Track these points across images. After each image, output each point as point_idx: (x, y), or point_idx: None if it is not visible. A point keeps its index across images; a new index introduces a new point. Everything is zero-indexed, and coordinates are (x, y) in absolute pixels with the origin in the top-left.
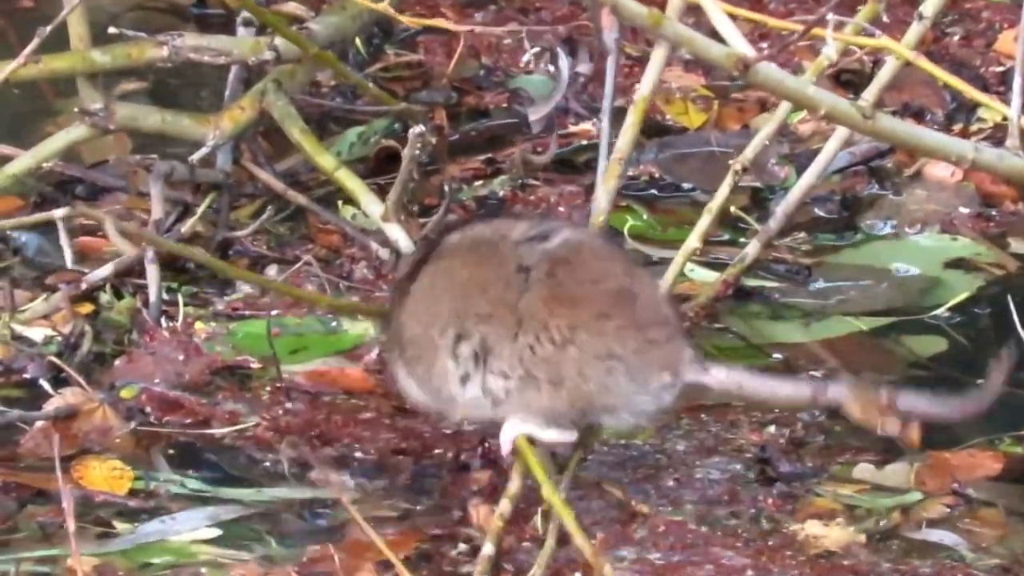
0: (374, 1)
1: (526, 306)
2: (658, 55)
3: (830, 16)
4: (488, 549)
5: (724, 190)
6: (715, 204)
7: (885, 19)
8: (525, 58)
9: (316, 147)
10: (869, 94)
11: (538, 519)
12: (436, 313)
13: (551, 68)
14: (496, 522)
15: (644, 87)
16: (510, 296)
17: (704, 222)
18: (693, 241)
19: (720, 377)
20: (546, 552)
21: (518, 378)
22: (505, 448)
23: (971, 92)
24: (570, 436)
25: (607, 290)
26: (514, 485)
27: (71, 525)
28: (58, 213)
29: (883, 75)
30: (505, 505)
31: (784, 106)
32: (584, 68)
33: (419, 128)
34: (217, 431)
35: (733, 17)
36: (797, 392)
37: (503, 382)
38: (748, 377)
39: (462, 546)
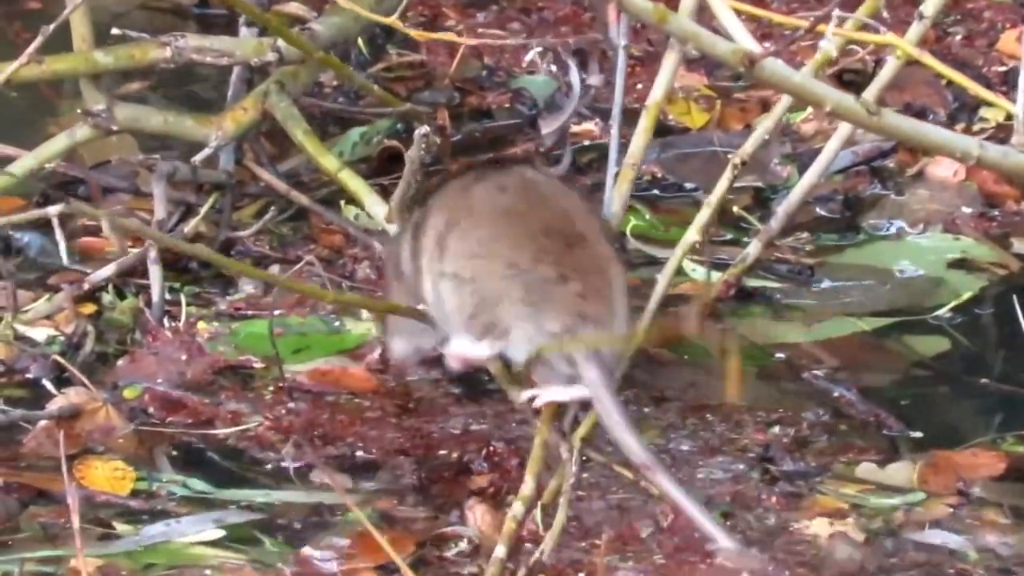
0: (383, 15)
1: (460, 208)
2: (670, 59)
3: (836, 12)
4: (500, 551)
5: (723, 183)
6: (715, 197)
7: (886, 17)
8: (528, 58)
9: (319, 149)
10: (870, 93)
11: (538, 515)
12: (423, 201)
13: (553, 68)
14: (509, 524)
15: (656, 92)
16: (457, 199)
17: (703, 215)
18: (692, 235)
19: (591, 376)
20: (556, 528)
21: (437, 274)
22: (451, 362)
23: (976, 88)
24: (484, 350)
25: (549, 224)
26: (527, 487)
27: (76, 523)
28: (52, 210)
29: (884, 73)
30: (518, 507)
31: (784, 101)
32: (595, 80)
33: (424, 129)
34: (220, 431)
35: (737, 14)
36: (636, 452)
37: (429, 279)
38: (607, 402)
39: (463, 545)
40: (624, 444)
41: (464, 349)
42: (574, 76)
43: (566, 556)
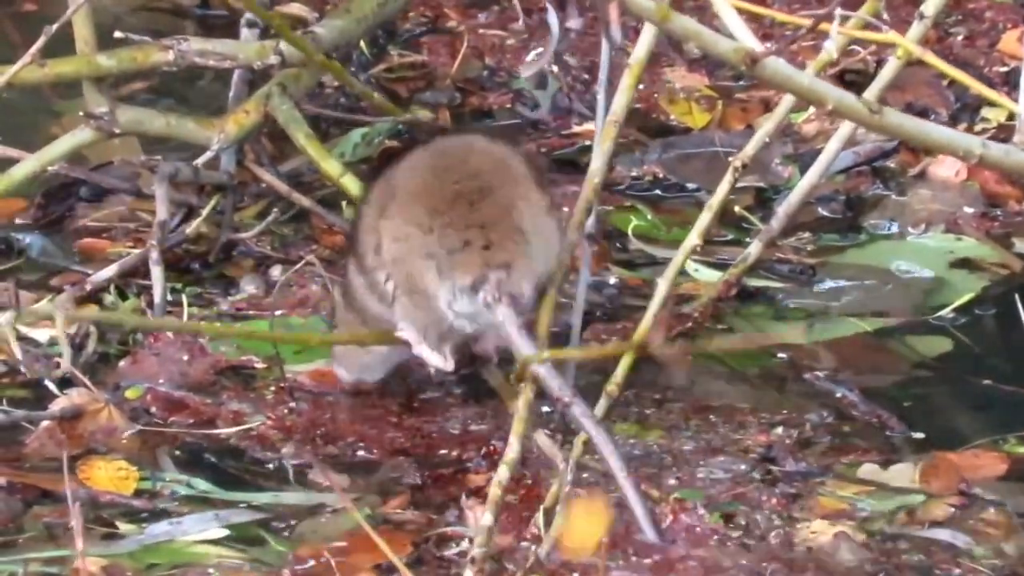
0: (387, 16)
1: (382, 200)
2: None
3: (838, 12)
4: (487, 519)
5: (724, 187)
6: (715, 201)
7: (886, 18)
8: (529, 58)
9: (321, 153)
10: (871, 92)
11: (539, 517)
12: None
13: (554, 69)
14: (494, 490)
15: (639, 51)
16: (381, 191)
17: (704, 219)
18: (693, 238)
19: (503, 313)
20: (553, 531)
21: (376, 268)
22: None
23: (978, 87)
24: (442, 361)
25: (456, 190)
26: (512, 451)
27: (79, 541)
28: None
29: (885, 73)
30: (503, 471)
31: (785, 103)
32: (575, 24)
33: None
34: (222, 431)
35: (738, 13)
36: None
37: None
38: (512, 326)
39: (464, 545)
40: (544, 380)
41: (425, 355)
42: (553, 19)
43: (559, 555)
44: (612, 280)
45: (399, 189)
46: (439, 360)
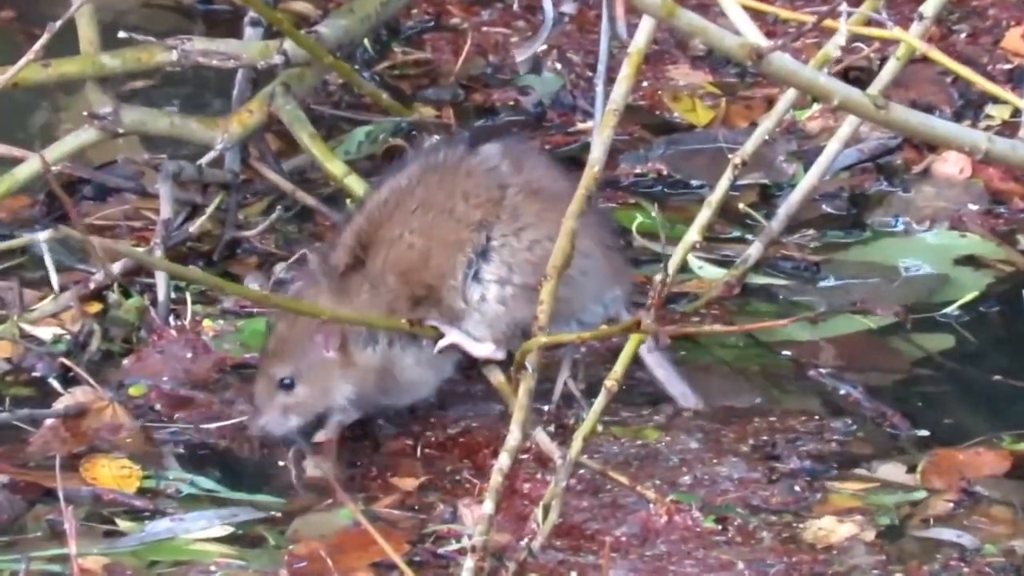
0: (388, 15)
1: (511, 202)
2: None
3: (844, 7)
4: (488, 507)
5: (723, 184)
6: (715, 197)
7: (886, 16)
8: (523, 56)
9: (326, 153)
10: (875, 89)
11: (538, 513)
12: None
13: (558, 66)
14: (495, 477)
15: (638, 40)
16: (494, 195)
17: (704, 215)
18: (693, 235)
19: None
20: (547, 526)
21: (511, 284)
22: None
23: (983, 83)
24: (500, 354)
25: (568, 188)
26: (513, 438)
27: (72, 544)
28: (41, 236)
29: (888, 70)
30: (504, 459)
31: (784, 100)
32: (568, 8)
33: (432, 140)
34: (224, 428)
35: (743, 9)
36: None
37: (496, 289)
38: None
39: (464, 542)
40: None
41: (480, 351)
42: (547, 4)
43: (556, 555)
44: None
45: (504, 187)
46: (495, 351)
